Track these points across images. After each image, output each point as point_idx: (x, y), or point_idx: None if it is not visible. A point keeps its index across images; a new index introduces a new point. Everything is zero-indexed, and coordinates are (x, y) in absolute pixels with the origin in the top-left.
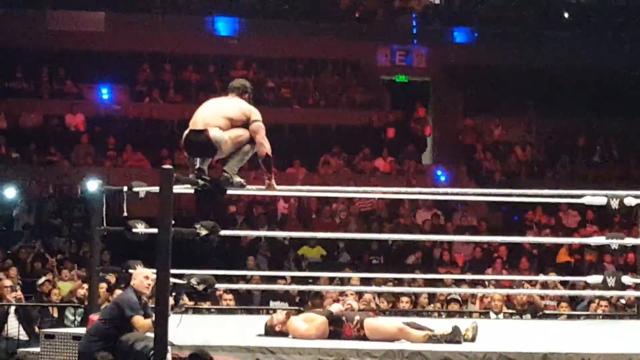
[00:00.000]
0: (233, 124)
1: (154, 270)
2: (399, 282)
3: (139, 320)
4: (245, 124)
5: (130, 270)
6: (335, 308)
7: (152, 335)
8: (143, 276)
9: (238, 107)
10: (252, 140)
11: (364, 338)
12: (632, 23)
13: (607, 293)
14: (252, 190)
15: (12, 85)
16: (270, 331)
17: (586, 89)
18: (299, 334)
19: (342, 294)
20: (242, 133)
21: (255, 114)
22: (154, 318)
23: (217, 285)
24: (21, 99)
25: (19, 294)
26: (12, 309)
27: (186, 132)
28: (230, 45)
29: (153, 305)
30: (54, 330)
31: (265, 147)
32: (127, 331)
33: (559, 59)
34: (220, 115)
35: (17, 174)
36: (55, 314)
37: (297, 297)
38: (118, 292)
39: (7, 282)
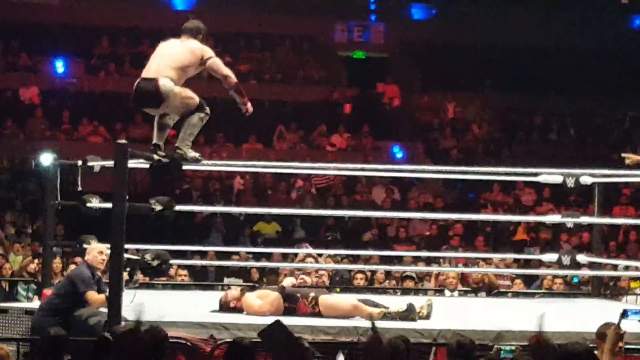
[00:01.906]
0: (186, 71)
1: (108, 246)
2: (355, 259)
3: (92, 295)
4: (199, 66)
5: (85, 245)
6: (288, 282)
7: (105, 310)
8: (97, 251)
9: (188, 49)
10: (201, 110)
11: (318, 315)
12: (592, 2)
13: (562, 272)
14: (208, 165)
15: None
16: (224, 307)
17: (543, 67)
18: (253, 310)
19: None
20: (192, 96)
21: (207, 51)
22: (107, 293)
23: (171, 261)
24: None
25: None
26: None
27: (138, 80)
28: (187, 19)
29: (107, 281)
30: (6, 305)
31: (230, 76)
32: (81, 306)
33: (517, 37)
34: (171, 65)
35: None
36: (7, 289)
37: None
38: (72, 267)
39: None
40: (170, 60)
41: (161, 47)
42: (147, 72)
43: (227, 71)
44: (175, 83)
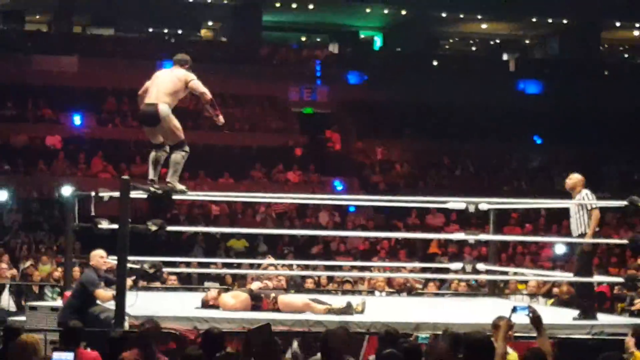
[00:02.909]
0: (177, 95)
1: (103, 252)
2: (305, 267)
3: (100, 293)
4: (186, 89)
5: (91, 254)
6: (255, 285)
7: (113, 307)
8: (98, 256)
9: (176, 76)
10: (182, 148)
11: (278, 310)
12: (487, 69)
13: (465, 277)
14: (192, 195)
15: (4, 112)
16: (205, 305)
17: (450, 118)
18: (227, 307)
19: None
20: (180, 127)
21: (190, 76)
22: (114, 289)
23: (164, 269)
24: (11, 123)
25: (14, 271)
26: (7, 286)
27: (142, 105)
28: None
29: (110, 275)
30: (36, 303)
31: (207, 93)
32: (93, 304)
33: (430, 97)
34: (165, 93)
35: (8, 182)
36: (37, 291)
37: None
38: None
39: (4, 265)
40: (164, 88)
41: (157, 77)
42: (149, 98)
43: (204, 89)
44: (170, 106)
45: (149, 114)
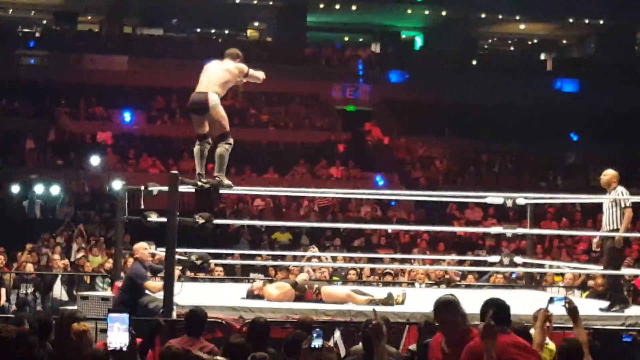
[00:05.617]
0: (226, 86)
1: (146, 244)
2: (348, 259)
3: (149, 284)
4: (238, 80)
5: (134, 247)
6: (302, 277)
7: (161, 297)
8: (142, 248)
9: (226, 68)
10: (226, 139)
11: (321, 301)
12: (525, 69)
13: (502, 269)
14: (238, 190)
15: (58, 109)
16: (250, 295)
17: (488, 117)
18: (272, 298)
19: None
20: (226, 117)
21: (244, 67)
22: (160, 277)
23: (210, 261)
24: (65, 120)
25: (66, 261)
26: (59, 277)
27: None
28: None
29: (156, 264)
30: (87, 293)
31: (259, 75)
32: (143, 295)
33: (469, 96)
34: (214, 83)
35: (61, 176)
36: (88, 281)
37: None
38: (129, 264)
39: (56, 256)
40: (215, 78)
41: (207, 68)
42: (200, 87)
43: (258, 72)
44: (219, 95)
45: (199, 101)
